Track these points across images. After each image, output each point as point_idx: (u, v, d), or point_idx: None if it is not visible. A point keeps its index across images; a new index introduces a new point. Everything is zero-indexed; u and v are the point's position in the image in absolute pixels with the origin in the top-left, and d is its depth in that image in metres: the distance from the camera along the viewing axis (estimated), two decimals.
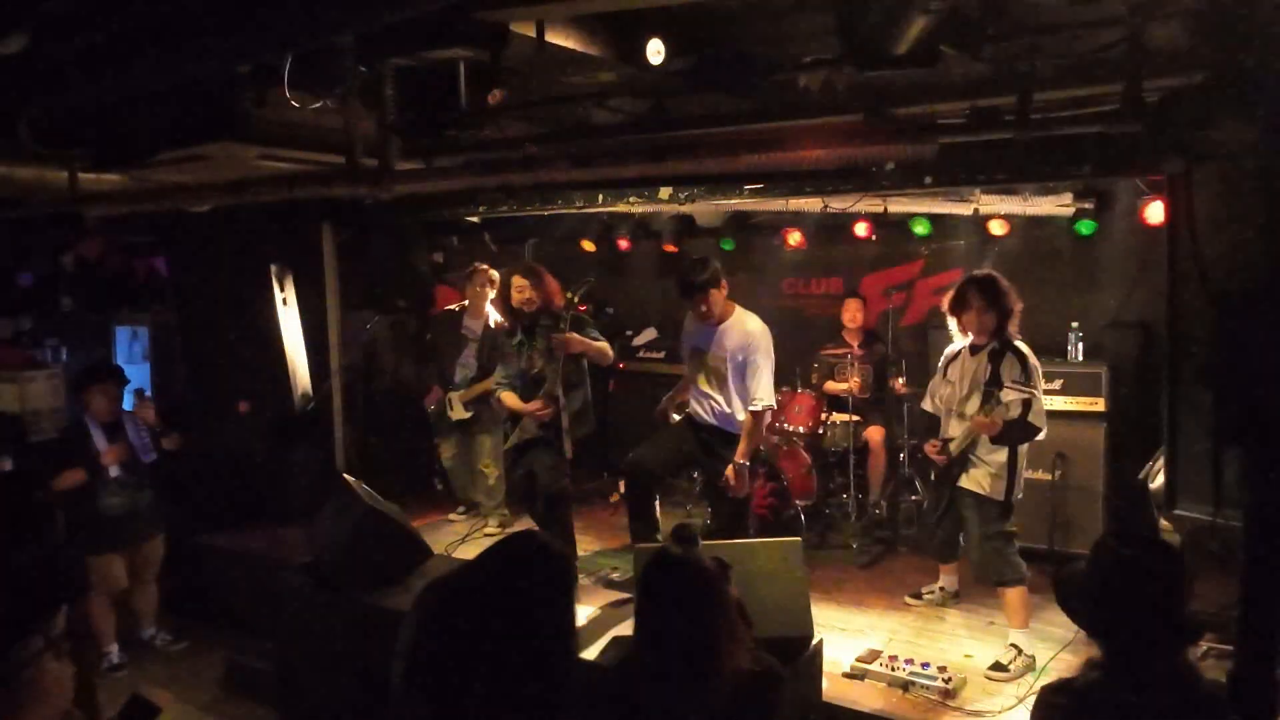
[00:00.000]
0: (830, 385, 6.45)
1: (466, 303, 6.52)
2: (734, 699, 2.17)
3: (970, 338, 4.52)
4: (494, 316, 6.19)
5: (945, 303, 4.62)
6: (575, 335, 4.99)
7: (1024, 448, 4.45)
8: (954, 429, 4.53)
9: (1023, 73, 2.88)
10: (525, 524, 6.17)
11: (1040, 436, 4.40)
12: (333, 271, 6.76)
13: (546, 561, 1.57)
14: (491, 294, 6.28)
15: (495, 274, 6.29)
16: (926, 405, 4.83)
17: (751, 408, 4.79)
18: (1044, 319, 6.14)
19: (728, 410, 4.87)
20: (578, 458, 5.20)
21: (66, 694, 1.89)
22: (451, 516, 6.73)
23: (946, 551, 4.90)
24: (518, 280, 5.16)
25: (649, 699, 2.19)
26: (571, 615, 1.57)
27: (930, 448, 4.63)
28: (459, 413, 6.39)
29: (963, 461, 4.45)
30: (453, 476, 6.77)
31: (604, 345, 5.20)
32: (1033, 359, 4.37)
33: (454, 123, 3.42)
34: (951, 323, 4.60)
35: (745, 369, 4.79)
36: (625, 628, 3.26)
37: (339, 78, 3.10)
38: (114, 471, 5.06)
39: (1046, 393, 5.41)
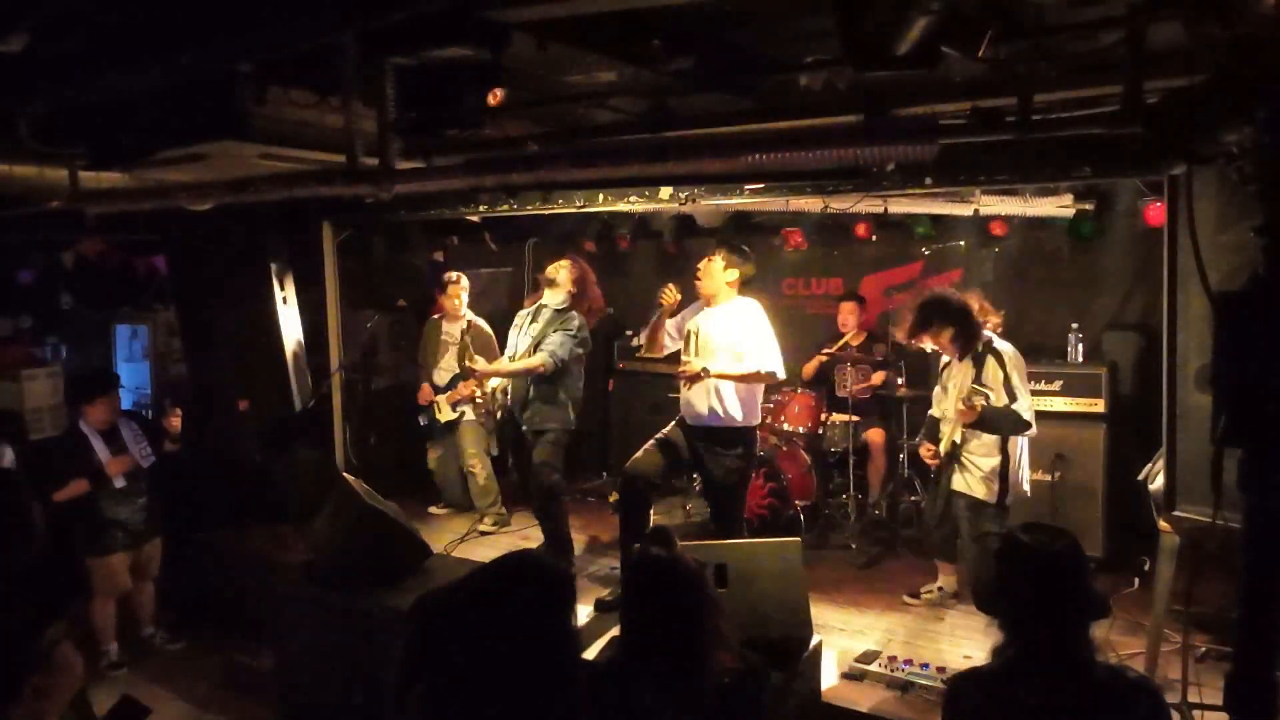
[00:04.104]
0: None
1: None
2: (720, 697, 2.18)
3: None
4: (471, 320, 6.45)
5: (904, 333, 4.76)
6: (481, 364, 5.33)
7: (1018, 451, 4.53)
8: (944, 430, 4.69)
9: (1023, 73, 2.87)
10: (523, 520, 6.21)
11: (1031, 433, 4.46)
12: (333, 271, 6.77)
13: (539, 579, 1.56)
14: (465, 299, 6.51)
15: (466, 281, 6.54)
16: (934, 412, 4.92)
17: (761, 368, 4.56)
18: (1044, 319, 6.17)
19: (721, 405, 4.62)
20: (578, 456, 5.22)
21: (80, 678, 1.94)
22: (432, 509, 6.87)
23: (946, 550, 4.94)
24: (560, 262, 5.33)
25: (635, 698, 2.19)
26: (568, 631, 1.56)
27: (925, 450, 4.78)
28: (446, 414, 6.52)
29: (954, 464, 4.54)
30: (437, 478, 6.89)
31: (525, 364, 5.17)
32: (1012, 357, 4.47)
33: (454, 122, 3.41)
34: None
35: (744, 354, 4.58)
36: None
37: (339, 77, 3.10)
38: (119, 482, 5.05)
39: (1047, 393, 5.46)
